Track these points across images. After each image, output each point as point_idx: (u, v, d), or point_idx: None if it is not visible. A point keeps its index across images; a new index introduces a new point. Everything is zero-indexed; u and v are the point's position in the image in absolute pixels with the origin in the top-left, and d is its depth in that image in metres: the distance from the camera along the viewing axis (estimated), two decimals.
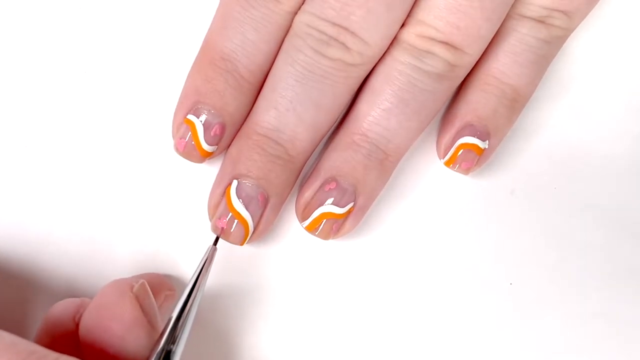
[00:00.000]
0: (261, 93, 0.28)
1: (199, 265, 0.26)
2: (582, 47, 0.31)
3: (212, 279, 0.29)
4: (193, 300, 0.25)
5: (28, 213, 0.30)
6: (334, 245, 0.30)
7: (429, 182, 0.31)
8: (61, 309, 0.26)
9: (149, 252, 0.30)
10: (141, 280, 0.25)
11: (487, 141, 0.29)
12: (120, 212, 0.30)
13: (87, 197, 0.30)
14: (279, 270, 0.30)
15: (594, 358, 0.30)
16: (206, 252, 0.27)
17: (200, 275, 0.26)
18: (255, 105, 0.28)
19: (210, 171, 0.29)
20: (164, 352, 0.24)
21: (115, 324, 0.24)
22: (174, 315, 0.25)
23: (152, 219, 0.30)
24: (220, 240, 0.28)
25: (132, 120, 0.30)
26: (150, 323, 0.25)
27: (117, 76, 0.30)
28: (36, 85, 0.30)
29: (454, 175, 0.30)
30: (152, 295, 0.25)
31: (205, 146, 0.28)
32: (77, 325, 0.25)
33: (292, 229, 0.30)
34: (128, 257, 0.30)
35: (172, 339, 0.24)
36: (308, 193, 0.28)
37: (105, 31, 0.30)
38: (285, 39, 0.27)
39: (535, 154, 0.31)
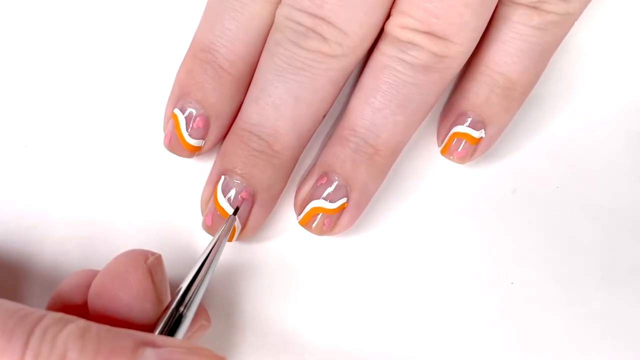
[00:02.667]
0: (248, 89, 0.28)
1: (216, 233, 0.26)
2: (583, 45, 0.31)
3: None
4: (208, 266, 0.25)
5: (27, 213, 0.30)
6: (334, 243, 0.30)
7: (430, 180, 0.30)
8: (76, 279, 0.25)
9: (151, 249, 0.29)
10: (157, 254, 0.25)
11: (482, 130, 0.28)
12: (121, 211, 0.30)
13: (87, 197, 0.30)
14: (279, 268, 0.30)
15: (595, 357, 0.29)
16: (226, 221, 0.27)
17: (217, 243, 0.26)
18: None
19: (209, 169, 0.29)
20: (176, 315, 0.24)
21: (123, 292, 0.24)
22: (188, 279, 0.25)
23: (152, 218, 0.30)
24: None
25: (132, 119, 0.30)
26: (159, 298, 0.24)
27: (117, 76, 0.30)
28: (36, 85, 0.30)
29: (455, 174, 0.30)
30: (165, 271, 0.25)
31: (189, 139, 0.28)
32: None
33: (292, 228, 0.30)
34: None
35: (185, 303, 0.24)
36: (304, 189, 0.28)
37: (105, 31, 0.31)
38: (270, 33, 0.27)
39: (537, 154, 0.31)
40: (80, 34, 0.30)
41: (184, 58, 0.28)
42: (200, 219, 0.29)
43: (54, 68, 0.30)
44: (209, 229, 0.28)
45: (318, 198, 0.28)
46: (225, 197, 0.27)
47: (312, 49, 0.26)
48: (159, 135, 0.29)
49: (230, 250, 0.29)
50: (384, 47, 0.27)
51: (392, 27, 0.27)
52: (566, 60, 0.31)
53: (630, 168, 0.30)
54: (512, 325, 0.29)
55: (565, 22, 0.28)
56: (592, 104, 0.31)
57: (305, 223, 0.28)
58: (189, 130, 0.27)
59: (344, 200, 0.28)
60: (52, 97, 0.30)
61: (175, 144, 0.28)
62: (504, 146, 0.30)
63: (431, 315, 0.29)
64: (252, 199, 0.27)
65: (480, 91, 0.28)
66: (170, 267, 0.29)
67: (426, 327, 0.29)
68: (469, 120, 0.28)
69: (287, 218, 0.30)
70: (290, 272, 0.30)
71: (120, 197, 0.30)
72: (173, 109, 0.28)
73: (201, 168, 0.29)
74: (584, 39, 0.31)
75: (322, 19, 0.26)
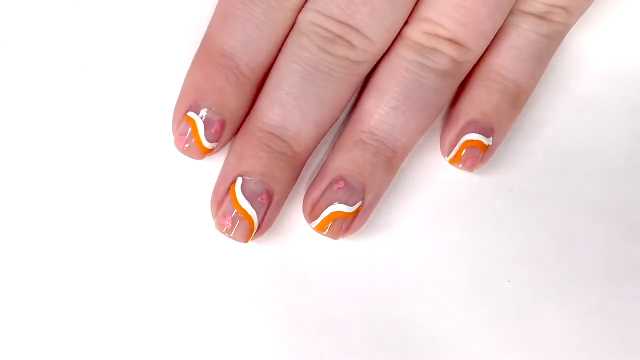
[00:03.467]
0: (264, 90, 0.28)
1: None
2: (582, 45, 0.31)
3: (214, 278, 0.30)
4: None
5: (27, 212, 0.29)
6: (333, 243, 0.30)
7: (427, 180, 0.31)
8: None
9: (150, 250, 0.30)
10: None
11: (491, 137, 0.29)
12: (121, 211, 0.30)
13: (87, 196, 0.30)
14: (283, 268, 0.30)
15: (593, 356, 0.30)
16: None
17: None
18: (258, 102, 0.28)
19: (211, 168, 0.29)
20: None
21: None
22: None
23: (153, 217, 0.30)
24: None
25: (132, 118, 0.30)
26: None
27: (116, 75, 0.30)
28: (35, 84, 0.30)
29: (452, 174, 0.30)
30: None
31: (206, 143, 0.27)
32: None
33: (297, 227, 0.30)
34: (129, 256, 0.29)
35: None
36: (316, 194, 0.28)
37: (104, 30, 0.30)
38: (290, 36, 0.27)
39: (535, 153, 0.31)
40: (78, 33, 0.30)
41: (198, 61, 0.28)
42: (199, 217, 0.29)
43: (53, 67, 0.30)
44: (228, 231, 0.28)
45: (336, 202, 0.28)
46: (245, 198, 0.27)
47: (340, 55, 0.26)
48: (158, 135, 0.29)
49: (227, 250, 0.29)
50: (404, 51, 0.27)
51: (414, 32, 0.27)
52: (564, 60, 0.31)
53: (628, 167, 0.31)
54: (508, 324, 0.30)
55: (565, 32, 0.29)
56: (589, 103, 0.31)
57: (323, 229, 0.28)
58: (207, 134, 0.27)
59: (360, 203, 0.28)
60: (51, 96, 0.30)
61: (192, 148, 0.28)
62: (502, 145, 0.30)
63: (428, 314, 0.30)
64: (270, 199, 0.27)
65: (493, 98, 0.29)
66: (170, 266, 0.30)
67: (424, 326, 0.30)
68: (481, 127, 0.29)
69: (289, 219, 0.30)
70: (289, 272, 0.30)
71: (119, 196, 0.30)
72: (186, 111, 0.27)
73: (200, 167, 0.29)
74: (583, 39, 0.31)
75: (352, 27, 0.26)
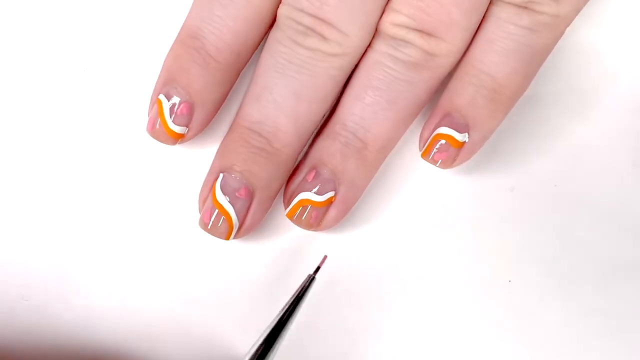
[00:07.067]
0: (248, 87, 0.28)
1: (292, 296, 0.26)
2: (582, 45, 0.31)
3: (213, 277, 0.30)
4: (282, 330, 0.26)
5: (26, 212, 0.30)
6: (330, 243, 0.30)
7: (428, 179, 0.30)
8: None
9: (149, 250, 0.30)
10: None
11: (465, 134, 0.27)
12: (119, 208, 0.30)
13: (86, 195, 0.30)
14: (275, 266, 0.30)
15: (592, 355, 0.29)
16: (303, 282, 0.27)
17: (294, 306, 0.26)
18: (242, 99, 0.28)
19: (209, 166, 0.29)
20: None
21: None
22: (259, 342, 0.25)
23: (151, 215, 0.30)
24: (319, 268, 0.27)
25: (131, 117, 0.30)
26: None
27: (115, 75, 0.30)
28: (35, 84, 0.30)
29: (453, 171, 0.30)
30: None
31: (172, 126, 0.27)
32: None
33: (288, 228, 0.30)
34: (127, 254, 0.30)
35: None
36: (293, 183, 0.28)
37: (104, 30, 0.31)
38: (270, 31, 0.27)
39: (535, 152, 0.31)
40: (79, 33, 0.30)
41: (172, 44, 0.28)
42: (195, 215, 0.29)
43: (53, 67, 0.30)
44: (206, 227, 0.27)
45: (305, 190, 0.28)
46: (224, 194, 0.27)
47: (312, 47, 0.26)
48: None
49: (224, 249, 0.30)
50: (376, 44, 0.27)
51: (384, 24, 0.27)
52: (565, 59, 0.31)
53: (629, 167, 0.30)
54: (509, 324, 0.29)
55: (556, 25, 0.28)
56: (590, 102, 0.31)
57: (293, 215, 0.28)
58: (173, 116, 0.27)
59: (331, 193, 0.28)
60: (51, 96, 0.30)
61: (159, 130, 0.28)
62: (503, 144, 0.30)
63: (428, 313, 0.30)
64: (250, 196, 0.27)
65: (465, 92, 0.27)
66: (168, 264, 0.30)
67: (423, 325, 0.29)
68: (453, 121, 0.27)
69: (283, 218, 0.30)
70: (285, 271, 0.30)
71: (119, 194, 0.30)
72: (158, 94, 0.28)
73: (200, 166, 0.29)
74: (583, 37, 0.31)
75: (322, 20, 0.26)
